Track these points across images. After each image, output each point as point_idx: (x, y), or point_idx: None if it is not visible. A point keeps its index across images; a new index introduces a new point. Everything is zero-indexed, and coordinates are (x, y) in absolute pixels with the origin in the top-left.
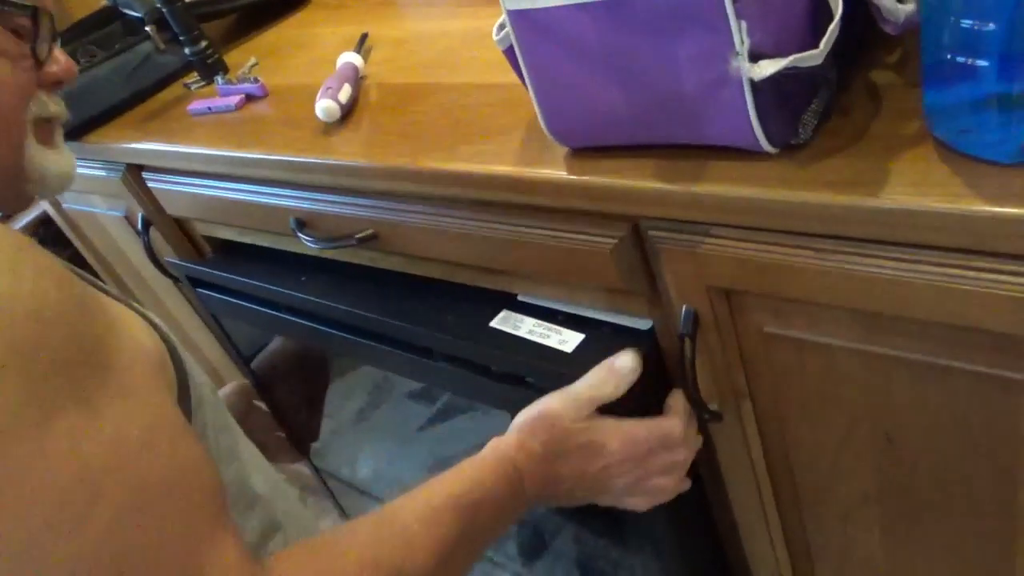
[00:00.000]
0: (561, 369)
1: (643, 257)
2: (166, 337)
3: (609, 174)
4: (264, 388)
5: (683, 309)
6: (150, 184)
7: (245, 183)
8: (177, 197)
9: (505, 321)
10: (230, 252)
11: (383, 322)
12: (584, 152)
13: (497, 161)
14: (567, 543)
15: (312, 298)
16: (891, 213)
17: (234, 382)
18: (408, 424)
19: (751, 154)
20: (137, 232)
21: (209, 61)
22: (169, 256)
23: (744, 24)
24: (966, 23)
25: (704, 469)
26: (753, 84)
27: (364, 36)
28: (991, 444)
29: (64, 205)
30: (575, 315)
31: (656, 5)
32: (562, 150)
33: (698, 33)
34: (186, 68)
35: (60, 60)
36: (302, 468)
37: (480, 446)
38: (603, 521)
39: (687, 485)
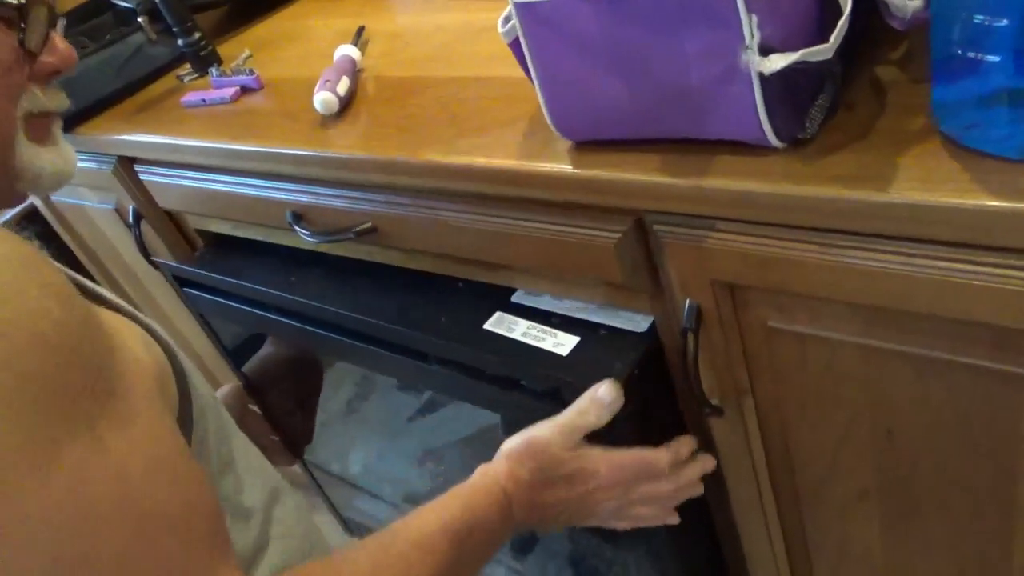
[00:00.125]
0: (557, 373)
1: (646, 252)
2: (166, 347)
3: (614, 168)
4: (257, 391)
5: (686, 304)
6: (142, 177)
7: (240, 176)
8: (170, 190)
9: (499, 323)
10: (222, 246)
11: (375, 324)
12: (587, 146)
13: (499, 154)
14: (559, 539)
15: (302, 299)
16: (899, 208)
17: (229, 385)
18: (398, 415)
19: (756, 149)
20: (128, 225)
21: (202, 53)
22: (160, 249)
23: (755, 18)
24: (978, 18)
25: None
26: (762, 78)
27: (361, 29)
28: (991, 439)
29: (52, 198)
30: (570, 317)
31: None
32: (564, 144)
33: (707, 27)
34: (178, 60)
35: (58, 48)
36: (294, 468)
37: (469, 437)
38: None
39: (672, 519)
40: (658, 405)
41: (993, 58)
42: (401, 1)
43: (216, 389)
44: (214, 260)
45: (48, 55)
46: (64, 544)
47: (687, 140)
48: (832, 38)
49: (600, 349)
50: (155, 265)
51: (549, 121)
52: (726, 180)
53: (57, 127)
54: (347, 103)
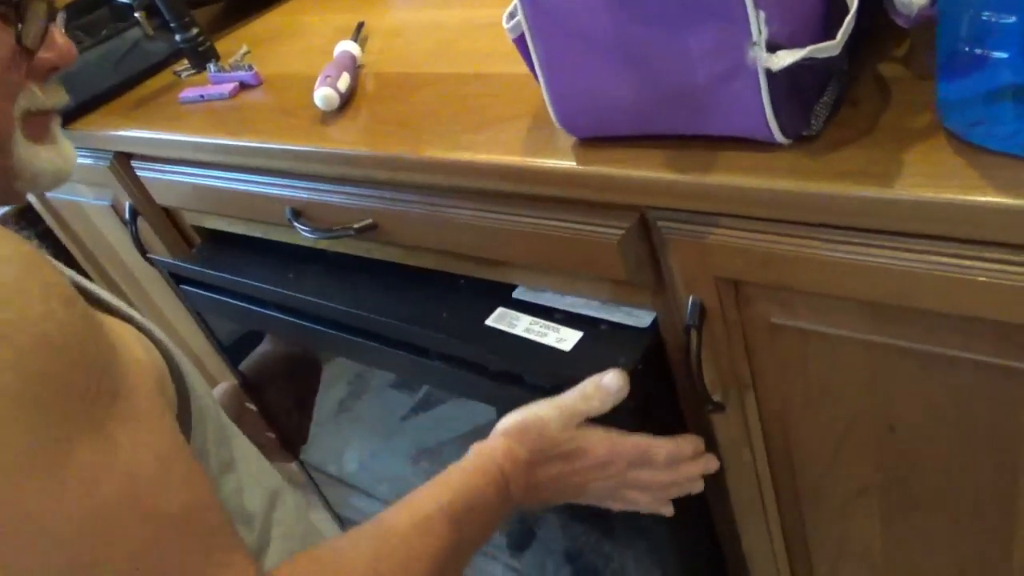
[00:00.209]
0: (560, 369)
1: (649, 248)
2: (164, 349)
3: (618, 164)
4: (254, 390)
5: (689, 300)
6: (139, 173)
7: (239, 172)
8: (167, 186)
9: (501, 319)
10: (218, 243)
11: (376, 320)
12: (591, 142)
13: (501, 150)
14: (556, 535)
15: (301, 296)
16: (905, 204)
17: (226, 383)
18: (392, 413)
19: (761, 145)
20: (124, 222)
21: (200, 49)
22: (157, 245)
23: (762, 14)
24: (985, 15)
25: None
26: (769, 75)
27: (360, 25)
28: (993, 435)
29: (47, 194)
30: (572, 313)
31: None
32: (567, 140)
33: (714, 23)
34: (176, 55)
35: (57, 44)
36: (291, 466)
37: (464, 435)
38: (594, 513)
39: (666, 510)
40: (659, 401)
41: (1000, 55)
42: None
43: (212, 388)
44: (211, 257)
45: (46, 51)
46: (79, 546)
47: (690, 136)
48: (839, 35)
49: (603, 345)
50: (151, 262)
51: (553, 117)
52: (731, 176)
53: (56, 124)
54: (347, 99)
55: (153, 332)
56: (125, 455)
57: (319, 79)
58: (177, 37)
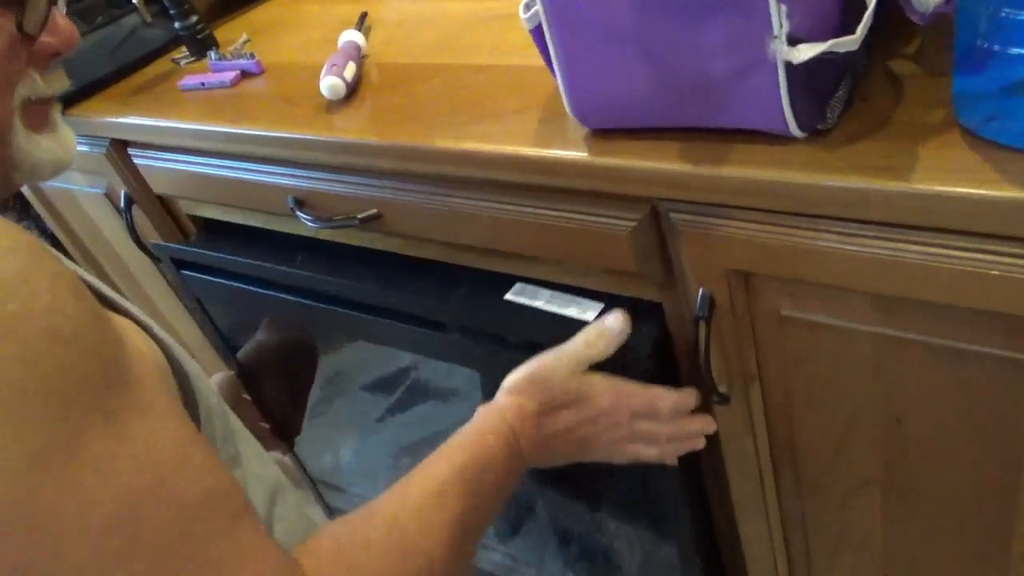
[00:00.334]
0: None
1: (659, 240)
2: (164, 346)
3: (632, 156)
4: (249, 380)
5: (699, 292)
6: (136, 161)
7: (240, 160)
8: (165, 174)
9: (520, 293)
10: (215, 232)
11: (393, 296)
12: (602, 134)
13: (512, 141)
14: (545, 522)
15: (315, 275)
16: (921, 198)
17: (222, 373)
18: (367, 415)
19: (775, 138)
20: (118, 210)
21: (199, 37)
22: (152, 235)
23: (784, 7)
24: (1004, 12)
25: (703, 454)
26: (788, 68)
27: (363, 15)
28: (999, 427)
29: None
30: (588, 290)
31: None
32: (577, 132)
33: (734, 15)
34: (174, 43)
35: (59, 27)
36: (285, 460)
37: (442, 432)
38: (591, 498)
39: (672, 461)
40: None
41: (1017, 50)
42: None
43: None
44: (211, 243)
45: (48, 35)
46: (103, 538)
47: (703, 129)
48: (859, 29)
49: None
50: (147, 251)
51: (568, 108)
52: (747, 169)
53: (56, 112)
54: (353, 89)
55: (152, 328)
56: (142, 444)
57: (325, 68)
58: (176, 24)
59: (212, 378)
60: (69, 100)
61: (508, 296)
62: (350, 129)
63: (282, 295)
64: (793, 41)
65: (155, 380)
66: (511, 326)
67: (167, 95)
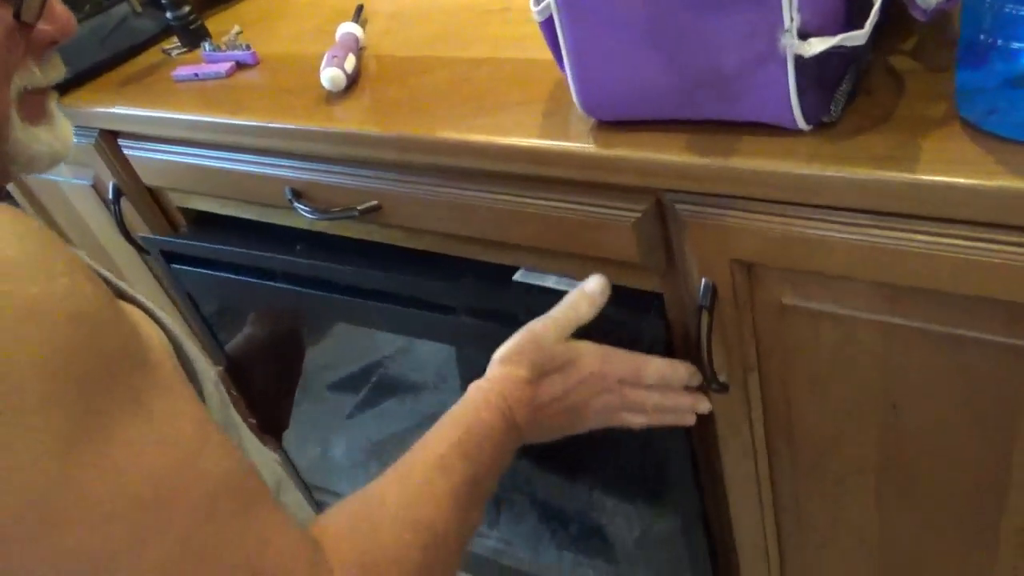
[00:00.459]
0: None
1: (662, 231)
2: (168, 330)
3: (640, 148)
4: (238, 374)
5: (702, 282)
6: (126, 152)
7: (236, 151)
8: (156, 165)
9: (528, 275)
10: (206, 224)
11: (402, 281)
12: (608, 126)
13: (518, 133)
14: (543, 502)
15: (318, 262)
16: (928, 188)
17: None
18: (334, 413)
19: (780, 130)
20: (105, 202)
21: (192, 27)
22: (140, 227)
23: (795, 1)
24: (1008, 8)
25: (698, 440)
26: (797, 62)
27: (360, 7)
28: (993, 411)
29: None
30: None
31: None
32: (582, 124)
33: (746, 8)
34: (165, 33)
35: (56, 14)
36: (276, 457)
37: (414, 426)
38: (586, 477)
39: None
40: None
41: (1020, 45)
42: None
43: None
44: (201, 236)
45: (45, 23)
46: (134, 518)
47: (706, 121)
48: (868, 23)
49: (632, 296)
50: (135, 244)
51: (576, 100)
52: (754, 161)
53: (53, 102)
54: (353, 81)
55: (157, 314)
56: (165, 425)
57: (325, 59)
58: (168, 15)
59: None
60: (58, 90)
61: (516, 277)
62: (351, 120)
63: (281, 285)
64: (803, 35)
65: (171, 363)
66: (523, 305)
67: (160, 85)
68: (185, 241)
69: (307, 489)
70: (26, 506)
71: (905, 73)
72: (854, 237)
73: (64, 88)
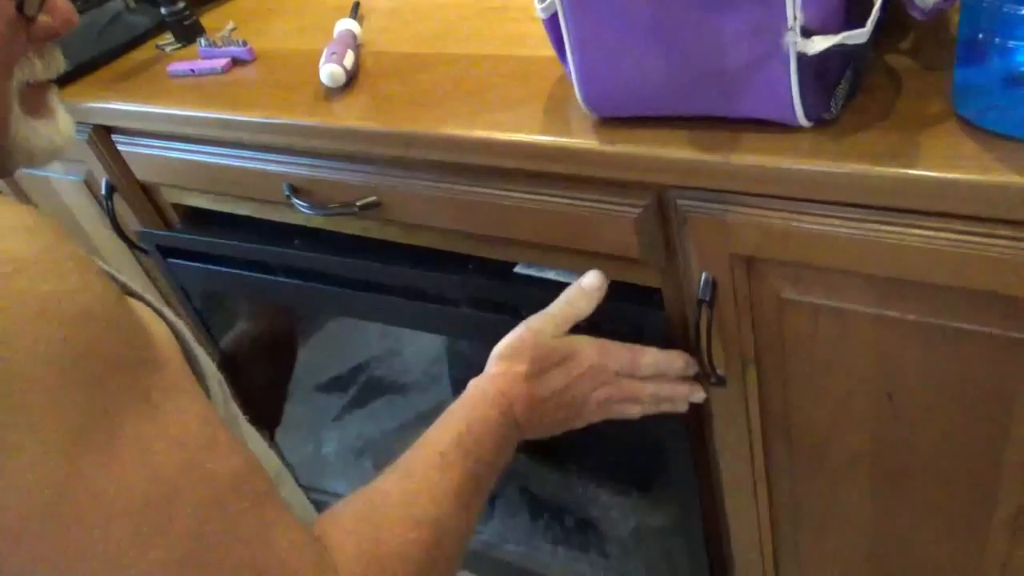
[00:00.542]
0: (602, 305)
1: (662, 226)
2: (174, 326)
3: (642, 144)
4: (231, 369)
5: (702, 276)
6: (120, 147)
7: (233, 147)
8: (151, 161)
9: (529, 266)
10: (199, 220)
11: (404, 273)
12: (612, 122)
13: (522, 130)
14: (535, 495)
15: (319, 255)
16: (927, 183)
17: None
18: (322, 414)
19: (781, 127)
20: (98, 199)
21: (186, 23)
22: (132, 224)
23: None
24: (1006, 8)
25: (695, 433)
26: (800, 59)
27: (357, 3)
28: (987, 401)
29: None
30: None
31: None
32: (584, 120)
33: (751, 6)
34: (158, 29)
35: (57, 7)
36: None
37: (402, 425)
38: (580, 469)
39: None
40: None
41: (1017, 43)
42: None
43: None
44: (197, 231)
45: (46, 15)
46: (141, 516)
47: (707, 118)
48: (869, 22)
49: (632, 287)
50: (127, 240)
51: (579, 96)
52: (757, 157)
53: (53, 95)
54: (351, 77)
55: (163, 311)
56: (173, 424)
57: (324, 56)
58: (163, 10)
59: None
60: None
61: (517, 269)
62: (352, 116)
63: (280, 279)
64: (806, 33)
65: (178, 361)
66: (525, 296)
67: (155, 81)
68: (183, 235)
69: (295, 478)
70: (35, 504)
71: (902, 72)
72: (854, 232)
73: (58, 83)
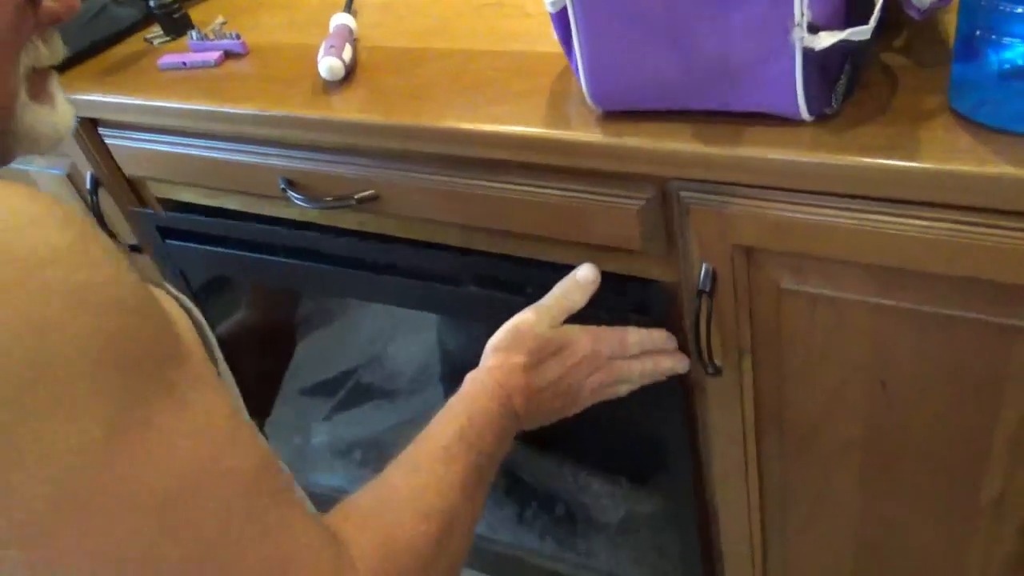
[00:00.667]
0: (603, 283)
1: (664, 218)
2: (193, 316)
3: (646, 136)
4: (227, 358)
5: (703, 267)
6: (107, 141)
7: (226, 141)
8: (139, 155)
9: None
10: (187, 214)
11: (408, 252)
12: (612, 115)
13: (525, 123)
14: (527, 486)
15: (324, 236)
16: (927, 175)
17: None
18: (307, 416)
19: (783, 121)
20: (81, 193)
21: (175, 16)
22: (117, 219)
23: None
24: (1002, 6)
25: (688, 422)
26: (805, 54)
27: None
28: (977, 386)
29: None
30: None
31: None
32: (587, 113)
33: (759, 2)
34: (146, 21)
35: None
36: None
37: (390, 427)
38: (571, 458)
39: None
40: None
41: (1012, 40)
42: None
43: None
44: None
45: (51, 0)
46: (167, 510)
47: (708, 111)
48: (872, 19)
49: (630, 281)
50: (112, 235)
51: (585, 90)
52: (760, 149)
53: (55, 81)
54: (349, 71)
55: (183, 300)
56: (200, 417)
57: (322, 49)
58: (151, 3)
59: None
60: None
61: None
62: (351, 109)
63: (284, 259)
64: (812, 29)
65: (201, 353)
66: (530, 277)
67: (144, 74)
68: (178, 215)
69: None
70: (66, 496)
71: (899, 68)
72: (853, 222)
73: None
